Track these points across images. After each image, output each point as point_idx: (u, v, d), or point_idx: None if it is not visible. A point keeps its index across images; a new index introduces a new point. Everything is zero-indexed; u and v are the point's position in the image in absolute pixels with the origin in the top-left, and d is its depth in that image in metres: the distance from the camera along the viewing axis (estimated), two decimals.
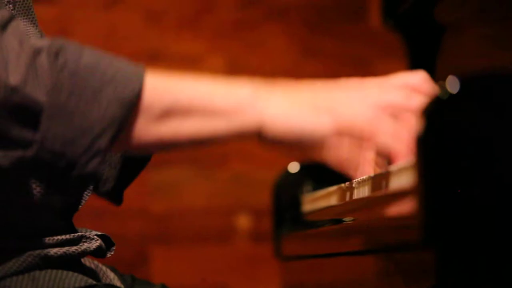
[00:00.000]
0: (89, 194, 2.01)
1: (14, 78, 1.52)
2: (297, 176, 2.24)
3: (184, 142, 1.63)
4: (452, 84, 1.38)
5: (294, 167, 2.26)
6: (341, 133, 1.57)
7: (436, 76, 2.53)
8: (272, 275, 2.98)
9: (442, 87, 1.37)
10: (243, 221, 3.21)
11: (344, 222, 1.77)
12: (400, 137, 1.57)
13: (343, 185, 1.86)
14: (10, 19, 1.57)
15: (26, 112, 1.53)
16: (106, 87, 1.55)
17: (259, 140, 1.59)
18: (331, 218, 1.89)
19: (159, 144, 1.62)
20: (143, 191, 2.44)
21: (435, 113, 1.40)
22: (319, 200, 2.04)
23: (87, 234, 1.90)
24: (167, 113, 1.58)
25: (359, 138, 1.58)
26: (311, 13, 3.35)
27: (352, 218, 1.76)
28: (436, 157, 1.41)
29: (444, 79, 1.93)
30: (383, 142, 1.57)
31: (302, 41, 3.32)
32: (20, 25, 1.59)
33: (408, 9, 2.43)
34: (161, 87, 1.58)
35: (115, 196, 2.10)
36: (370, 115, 1.58)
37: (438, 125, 1.40)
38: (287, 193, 2.29)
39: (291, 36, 3.30)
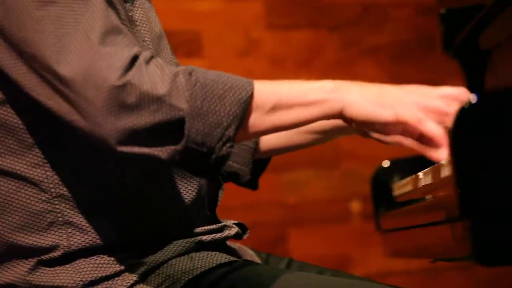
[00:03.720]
0: (222, 194, 2.02)
1: (161, 90, 1.56)
2: (388, 170, 2.25)
3: (290, 126, 1.66)
4: (473, 98, 1.40)
5: (386, 163, 2.27)
6: (397, 122, 1.59)
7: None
8: (378, 244, 2.84)
9: (468, 100, 1.40)
10: (355, 206, 3.19)
11: (420, 202, 1.76)
12: (439, 131, 1.58)
13: (414, 175, 1.87)
14: (152, 56, 1.60)
15: (174, 117, 1.56)
16: (228, 93, 1.59)
17: (339, 118, 1.63)
18: (411, 199, 1.89)
19: (271, 129, 1.65)
20: (278, 188, 2.43)
21: (459, 118, 1.41)
22: (403, 187, 2.03)
23: (227, 223, 1.94)
24: (274, 107, 1.61)
25: (409, 127, 1.60)
26: (395, 48, 3.27)
27: (424, 198, 1.77)
28: (463, 151, 1.42)
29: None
30: (427, 131, 1.58)
31: (388, 71, 3.26)
32: (160, 59, 1.62)
33: (460, 42, 2.45)
34: (267, 90, 1.62)
35: (253, 184, 2.23)
36: (419, 114, 1.59)
37: (462, 126, 1.42)
38: (381, 182, 2.29)
39: (380, 68, 3.24)
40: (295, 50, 3.10)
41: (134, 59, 1.57)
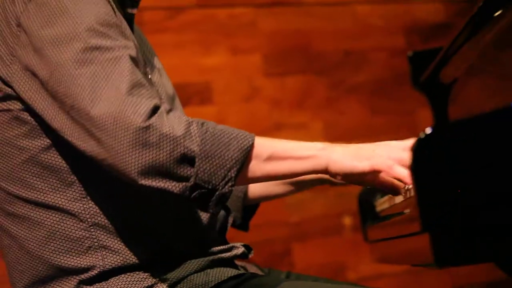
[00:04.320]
0: (229, 224, 2.04)
1: (178, 133, 1.57)
2: (371, 189, 2.24)
3: (282, 176, 1.67)
4: (428, 130, 1.42)
5: None
6: (374, 171, 1.62)
7: (450, 117, 2.55)
8: (367, 252, 2.86)
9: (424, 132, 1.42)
10: (347, 220, 3.16)
11: (397, 216, 1.74)
12: (405, 172, 1.60)
13: (389, 195, 1.90)
14: (171, 109, 1.63)
15: (186, 157, 1.58)
16: (232, 141, 1.61)
17: (325, 173, 1.65)
18: (390, 214, 1.87)
19: (266, 176, 1.66)
20: (283, 208, 2.44)
21: (416, 146, 1.42)
22: (382, 204, 2.05)
23: (235, 245, 1.93)
24: (270, 157, 1.62)
25: (384, 173, 1.63)
26: (373, 85, 3.25)
27: (401, 213, 1.73)
28: (420, 175, 1.43)
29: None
30: (396, 174, 1.62)
31: (369, 105, 3.24)
32: (177, 112, 1.63)
33: (425, 79, 2.42)
34: (265, 143, 1.64)
35: (244, 226, 2.24)
36: (389, 162, 1.63)
37: (418, 153, 1.43)
38: (366, 200, 2.29)
39: (362, 103, 3.22)
40: (290, 93, 3.08)
41: (156, 108, 1.58)
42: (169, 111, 1.61)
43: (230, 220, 2.03)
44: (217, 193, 1.61)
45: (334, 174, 1.63)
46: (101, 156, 1.61)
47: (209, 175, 1.58)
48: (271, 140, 1.66)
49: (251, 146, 1.60)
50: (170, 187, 1.59)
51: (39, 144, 1.72)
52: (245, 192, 2.21)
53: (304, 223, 3.09)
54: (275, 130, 3.07)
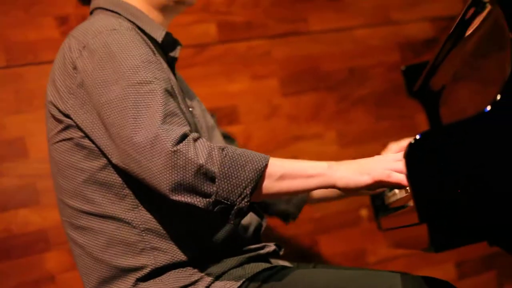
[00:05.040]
0: (266, 223, 2.05)
1: (201, 159, 1.58)
2: None
3: (294, 193, 1.66)
4: (418, 136, 1.47)
5: None
6: (375, 182, 1.62)
7: (443, 120, 2.52)
8: (383, 239, 2.94)
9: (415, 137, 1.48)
10: (364, 213, 3.11)
11: (403, 209, 1.79)
12: (402, 177, 1.61)
13: (393, 191, 1.97)
14: (199, 137, 1.63)
15: (208, 177, 1.58)
16: (248, 163, 1.60)
17: (333, 188, 1.64)
18: (396, 206, 1.91)
19: (279, 193, 1.65)
20: (307, 207, 2.38)
21: (409, 149, 1.47)
22: (389, 198, 2.05)
23: (268, 244, 1.96)
24: (282, 177, 1.62)
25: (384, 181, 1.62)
26: (376, 97, 3.20)
27: (402, 206, 1.80)
28: (413, 173, 1.47)
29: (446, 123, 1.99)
30: (395, 180, 1.62)
31: (374, 113, 3.19)
32: (204, 139, 1.63)
33: (418, 88, 2.45)
34: (278, 163, 1.64)
35: (294, 219, 2.29)
36: (387, 171, 1.61)
37: (411, 155, 1.47)
38: (377, 194, 2.28)
39: (367, 112, 3.17)
40: (305, 109, 3.04)
41: (185, 135, 1.60)
42: (197, 138, 1.61)
43: (264, 223, 2.02)
44: (235, 207, 1.60)
45: (341, 189, 1.63)
46: (141, 175, 1.62)
47: (227, 193, 1.58)
48: (283, 161, 1.65)
49: (265, 167, 1.60)
50: (196, 202, 1.59)
51: (96, 165, 1.74)
52: (308, 195, 2.22)
53: (326, 218, 3.05)
54: (294, 141, 3.01)
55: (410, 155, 1.47)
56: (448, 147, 1.45)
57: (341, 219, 3.09)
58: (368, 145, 3.13)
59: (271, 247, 1.94)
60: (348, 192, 1.63)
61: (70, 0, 2.61)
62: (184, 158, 1.56)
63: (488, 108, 1.48)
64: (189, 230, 1.80)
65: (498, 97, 1.49)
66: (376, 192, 2.14)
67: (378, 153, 2.07)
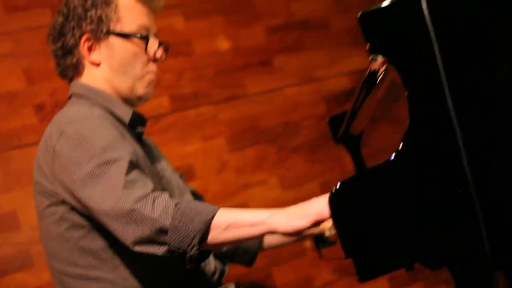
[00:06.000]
0: (226, 272, 2.02)
1: (156, 214, 1.58)
2: None
3: (240, 241, 1.63)
4: (338, 185, 1.49)
5: None
6: (312, 223, 1.59)
7: (364, 160, 2.45)
8: (325, 265, 3.10)
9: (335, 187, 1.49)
10: (309, 244, 3.15)
11: (333, 243, 1.74)
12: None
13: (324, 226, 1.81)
14: (157, 196, 1.62)
15: (162, 230, 1.58)
16: (197, 216, 1.59)
17: (275, 233, 1.60)
18: (333, 240, 1.77)
19: (227, 242, 1.62)
20: None
21: (331, 197, 1.50)
22: (327, 231, 1.73)
23: (228, 285, 1.92)
24: (228, 227, 1.59)
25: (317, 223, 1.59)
26: (309, 144, 3.31)
27: (335, 240, 1.68)
28: (336, 215, 1.50)
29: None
30: (325, 217, 1.58)
31: (309, 159, 3.31)
32: (162, 198, 1.61)
33: (341, 135, 2.45)
34: (224, 214, 1.61)
35: (251, 264, 2.22)
36: (319, 212, 1.58)
37: (333, 202, 1.50)
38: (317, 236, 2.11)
39: (303, 158, 3.29)
40: (250, 160, 3.18)
41: (145, 196, 1.60)
42: (155, 198, 1.60)
43: (226, 269, 2.03)
44: (187, 255, 1.60)
45: (281, 233, 1.59)
46: (114, 234, 1.66)
47: (179, 243, 1.58)
48: (230, 212, 1.61)
49: (211, 218, 1.58)
50: (155, 251, 1.61)
51: (78, 235, 1.77)
52: (260, 244, 2.17)
53: (277, 252, 3.02)
54: (243, 190, 3.10)
55: (332, 201, 1.48)
56: (362, 192, 1.47)
57: (289, 251, 3.12)
58: (306, 186, 3.22)
59: (231, 286, 1.95)
60: (290, 235, 1.60)
61: (45, 90, 2.76)
62: (141, 215, 1.57)
63: (392, 157, 1.48)
64: (162, 282, 1.81)
65: (401, 146, 1.50)
66: (319, 232, 1.92)
67: (315, 192, 2.15)
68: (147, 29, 1.90)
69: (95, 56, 1.88)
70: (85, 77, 1.90)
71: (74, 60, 1.88)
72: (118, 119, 1.86)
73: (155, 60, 1.92)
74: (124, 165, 1.65)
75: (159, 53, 1.92)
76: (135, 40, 1.88)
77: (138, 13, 1.90)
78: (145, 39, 1.89)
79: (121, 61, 1.87)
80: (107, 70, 1.87)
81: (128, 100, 1.92)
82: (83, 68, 1.89)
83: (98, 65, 1.88)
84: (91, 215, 1.70)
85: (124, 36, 1.86)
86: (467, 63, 1.54)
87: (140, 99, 1.94)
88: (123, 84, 1.88)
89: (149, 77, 1.91)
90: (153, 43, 1.90)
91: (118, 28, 1.87)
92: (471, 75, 1.54)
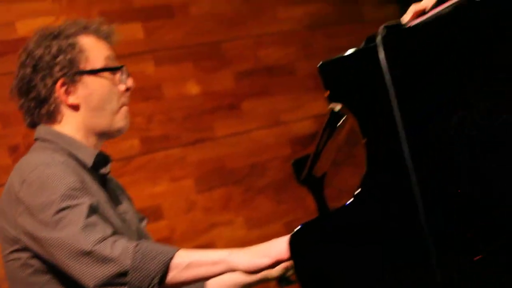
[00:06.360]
0: None
1: (115, 255, 1.61)
2: None
3: (201, 279, 1.66)
4: (298, 227, 1.51)
5: None
6: (274, 262, 1.59)
7: (327, 200, 2.38)
8: None
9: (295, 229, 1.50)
10: (272, 283, 2.91)
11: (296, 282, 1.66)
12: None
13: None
14: (116, 239, 1.64)
15: (123, 270, 1.61)
16: (157, 256, 1.61)
17: (236, 271, 1.62)
18: (293, 279, 1.91)
19: (188, 281, 1.64)
20: None
21: (291, 239, 1.51)
22: (289, 270, 1.98)
23: None
24: (188, 266, 1.62)
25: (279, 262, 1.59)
26: (274, 186, 3.38)
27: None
28: (295, 261, 1.51)
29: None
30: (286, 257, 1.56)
31: (275, 199, 3.38)
32: (121, 240, 1.64)
33: (304, 177, 2.40)
34: (184, 255, 1.63)
35: None
36: (281, 252, 1.57)
37: (292, 243, 1.51)
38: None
39: (268, 198, 3.39)
40: (217, 201, 3.26)
41: (103, 239, 1.63)
42: (115, 241, 1.64)
43: None
44: None
45: (243, 272, 1.61)
46: (74, 277, 1.68)
47: (139, 282, 1.60)
48: (190, 252, 1.64)
49: (171, 258, 1.60)
50: None
51: (42, 279, 1.79)
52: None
53: None
54: (210, 229, 3.17)
55: (292, 243, 1.50)
56: (321, 235, 1.50)
57: None
58: (271, 225, 3.30)
59: None
60: (252, 273, 1.61)
61: (19, 132, 2.79)
62: (101, 256, 1.60)
63: (349, 202, 1.49)
64: None
65: (358, 190, 1.49)
66: (280, 271, 2.04)
67: (281, 232, 2.04)
68: (113, 60, 1.93)
69: (73, 99, 1.89)
70: (59, 123, 1.92)
71: (52, 107, 1.89)
72: (81, 163, 1.88)
73: (127, 89, 1.95)
74: (84, 209, 1.68)
75: (130, 82, 1.94)
76: (106, 74, 1.90)
77: (101, 48, 1.92)
78: (119, 69, 1.92)
79: (99, 97, 1.89)
80: (86, 111, 1.89)
81: (108, 134, 1.94)
82: (59, 114, 1.91)
83: (76, 108, 1.89)
84: (53, 261, 1.73)
85: (97, 71, 1.89)
86: (424, 109, 1.55)
87: (120, 131, 1.95)
88: (103, 121, 1.90)
89: (125, 108, 1.94)
90: (124, 72, 1.94)
91: (89, 66, 1.89)
92: (428, 121, 1.55)
